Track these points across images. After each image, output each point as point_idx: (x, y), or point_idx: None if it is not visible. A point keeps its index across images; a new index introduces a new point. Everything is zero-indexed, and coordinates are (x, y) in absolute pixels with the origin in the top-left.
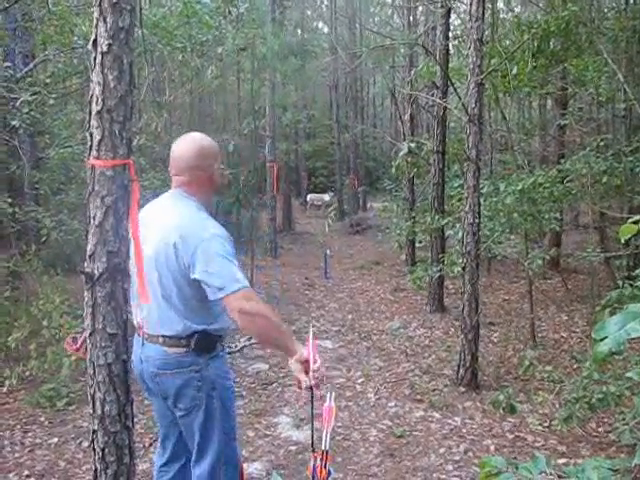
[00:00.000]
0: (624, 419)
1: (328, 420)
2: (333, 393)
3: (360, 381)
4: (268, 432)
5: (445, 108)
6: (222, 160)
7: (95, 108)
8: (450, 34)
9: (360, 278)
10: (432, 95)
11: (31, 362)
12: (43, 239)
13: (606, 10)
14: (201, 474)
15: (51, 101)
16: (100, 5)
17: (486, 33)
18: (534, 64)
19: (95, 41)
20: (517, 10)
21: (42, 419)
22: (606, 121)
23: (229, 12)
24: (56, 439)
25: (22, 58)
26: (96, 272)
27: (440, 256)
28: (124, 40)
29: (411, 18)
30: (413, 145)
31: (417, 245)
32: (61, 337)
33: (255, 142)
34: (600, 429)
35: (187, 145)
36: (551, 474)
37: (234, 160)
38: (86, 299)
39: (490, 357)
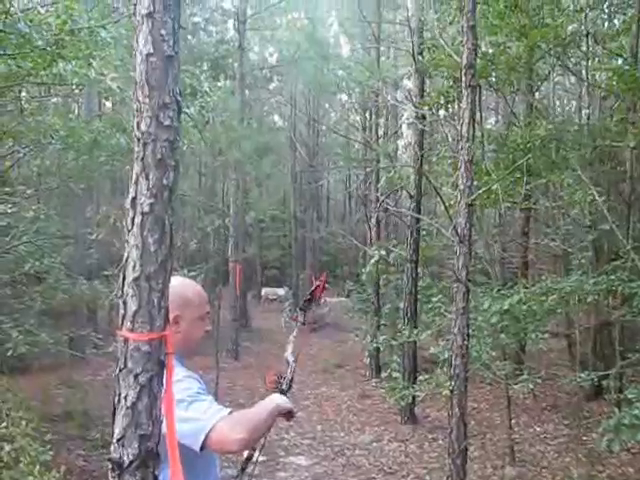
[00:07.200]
0: None
1: None
2: None
3: None
4: None
5: (418, 218)
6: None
7: (132, 274)
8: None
9: (324, 383)
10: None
11: None
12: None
13: (569, 129)
14: None
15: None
16: (142, 160)
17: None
18: (511, 179)
19: (134, 199)
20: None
21: None
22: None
23: (207, 122)
24: None
25: None
26: (126, 459)
27: (416, 371)
28: (167, 199)
29: (367, 116)
30: (384, 253)
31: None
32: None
33: (218, 241)
34: None
35: None
36: None
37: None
38: None
39: (470, 475)
